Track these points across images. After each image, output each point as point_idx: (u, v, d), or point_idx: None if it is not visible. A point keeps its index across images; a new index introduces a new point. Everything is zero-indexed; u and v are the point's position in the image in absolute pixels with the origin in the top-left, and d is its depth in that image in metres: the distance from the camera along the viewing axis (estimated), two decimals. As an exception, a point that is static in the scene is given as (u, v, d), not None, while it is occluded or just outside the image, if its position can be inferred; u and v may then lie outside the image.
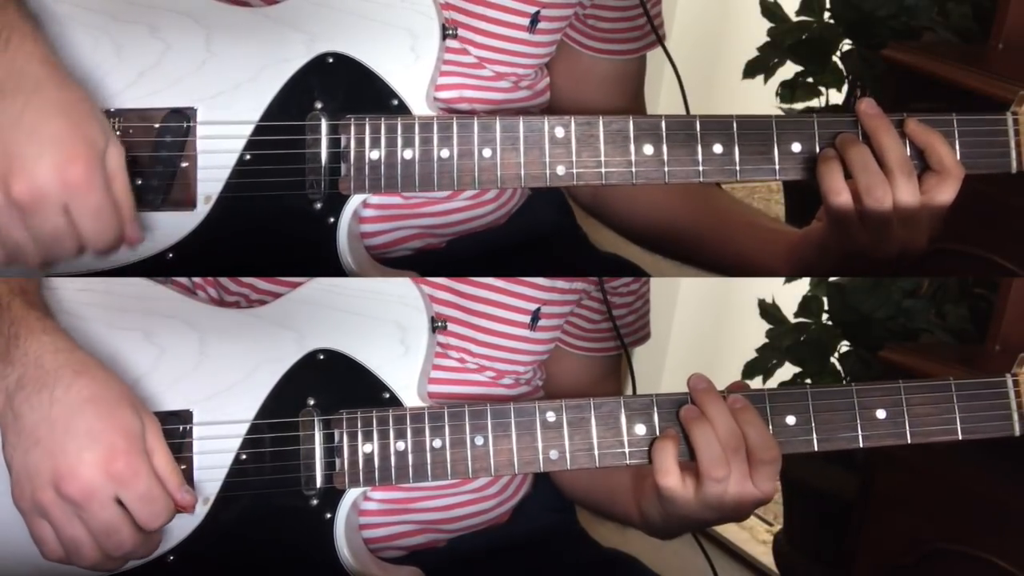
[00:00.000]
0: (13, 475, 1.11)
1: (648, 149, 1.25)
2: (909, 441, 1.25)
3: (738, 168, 1.26)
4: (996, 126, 1.27)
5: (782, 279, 2.40)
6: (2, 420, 1.12)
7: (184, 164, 1.22)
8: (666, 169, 1.25)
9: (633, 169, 1.25)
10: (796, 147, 1.26)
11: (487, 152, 1.24)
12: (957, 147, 1.25)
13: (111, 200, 1.12)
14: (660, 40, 1.47)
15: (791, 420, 1.24)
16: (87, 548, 1.11)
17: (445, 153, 1.24)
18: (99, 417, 1.11)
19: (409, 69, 1.25)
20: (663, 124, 1.25)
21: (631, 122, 1.25)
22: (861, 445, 1.24)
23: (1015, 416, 1.26)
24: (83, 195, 1.10)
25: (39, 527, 1.12)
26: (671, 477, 1.20)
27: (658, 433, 1.23)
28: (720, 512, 1.21)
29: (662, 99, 1.69)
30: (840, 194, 1.23)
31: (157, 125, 1.20)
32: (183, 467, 1.20)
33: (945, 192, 1.23)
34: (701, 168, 1.25)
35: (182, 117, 1.21)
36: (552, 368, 1.47)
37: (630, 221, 1.50)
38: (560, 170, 1.25)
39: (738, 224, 1.43)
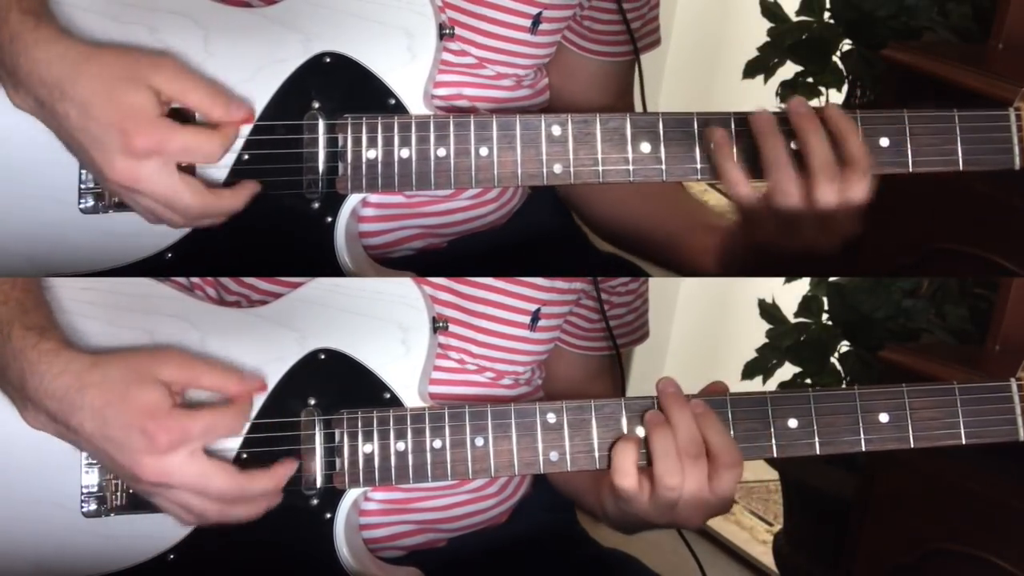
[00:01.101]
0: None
1: (645, 147, 1.25)
2: (912, 446, 1.24)
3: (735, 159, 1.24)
4: (998, 122, 1.25)
5: (782, 279, 2.40)
6: (66, 439, 1.18)
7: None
8: (663, 167, 1.25)
9: (630, 167, 1.25)
10: (795, 144, 1.23)
11: (484, 151, 1.24)
12: (959, 144, 1.24)
13: (188, 132, 1.17)
14: (636, 52, 1.46)
15: (793, 423, 1.23)
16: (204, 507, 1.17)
17: (442, 152, 1.24)
18: (119, 414, 1.14)
19: (406, 68, 1.25)
20: (660, 122, 1.25)
21: (628, 120, 1.25)
22: (864, 449, 1.23)
23: (1019, 421, 1.25)
24: (163, 150, 1.16)
25: (161, 505, 1.19)
26: (628, 479, 1.20)
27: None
28: (674, 517, 1.21)
29: (662, 101, 1.70)
30: (738, 184, 1.22)
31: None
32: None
33: (856, 187, 1.21)
34: (699, 166, 1.25)
35: (181, 118, 1.21)
36: (548, 366, 1.46)
37: (596, 218, 1.52)
38: (557, 168, 1.24)
39: (678, 214, 1.44)
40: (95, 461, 1.20)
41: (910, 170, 1.25)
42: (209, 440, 1.16)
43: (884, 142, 1.25)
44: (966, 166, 1.25)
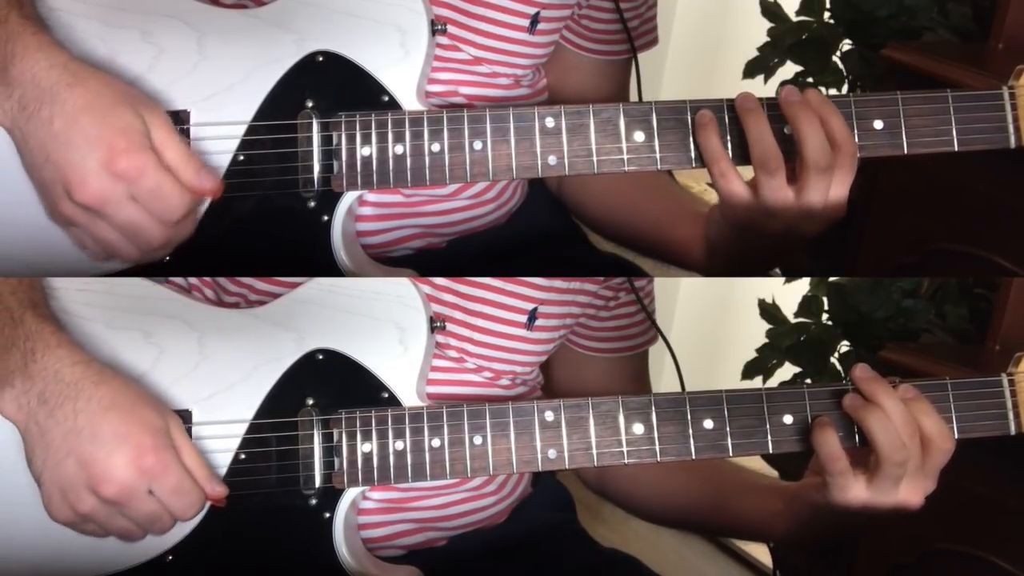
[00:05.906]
0: (44, 489, 1.14)
1: (639, 136, 1.25)
2: (905, 440, 1.24)
3: (729, 153, 1.24)
4: (992, 101, 1.25)
5: (782, 279, 2.40)
6: (27, 435, 1.15)
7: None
8: (657, 155, 1.25)
9: (624, 156, 1.25)
10: (787, 129, 1.23)
11: (478, 144, 1.24)
12: (953, 124, 1.24)
13: (166, 176, 1.15)
14: (634, 51, 1.46)
15: (788, 419, 1.24)
16: (136, 535, 1.17)
17: (436, 147, 1.24)
18: (123, 421, 1.13)
19: (399, 65, 1.25)
20: (654, 111, 1.25)
21: (621, 110, 1.25)
22: (858, 445, 1.23)
23: (1011, 415, 1.26)
24: (138, 182, 1.13)
25: (88, 531, 1.16)
26: (841, 461, 1.20)
27: (656, 432, 1.23)
28: (896, 498, 1.22)
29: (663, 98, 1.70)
30: (720, 160, 1.23)
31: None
32: (181, 469, 1.21)
33: (841, 171, 1.22)
34: (693, 154, 1.25)
35: (176, 120, 1.21)
36: (578, 375, 1.48)
37: (587, 210, 1.53)
38: (552, 160, 1.24)
39: (666, 202, 1.45)
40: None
41: (905, 152, 1.25)
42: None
43: (878, 125, 1.25)
44: (961, 146, 1.25)
